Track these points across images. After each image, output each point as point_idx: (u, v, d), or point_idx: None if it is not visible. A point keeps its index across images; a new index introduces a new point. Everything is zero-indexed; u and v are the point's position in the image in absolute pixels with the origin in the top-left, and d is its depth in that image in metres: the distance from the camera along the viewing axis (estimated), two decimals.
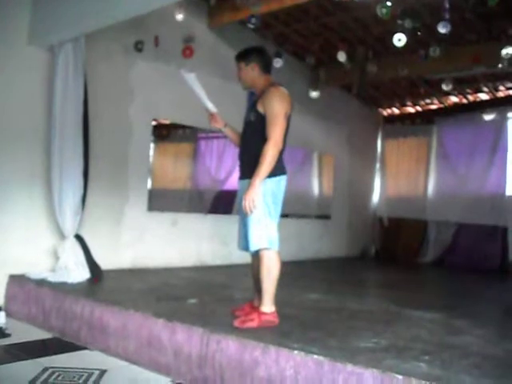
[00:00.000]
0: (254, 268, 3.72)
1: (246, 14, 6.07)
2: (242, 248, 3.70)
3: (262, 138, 3.39)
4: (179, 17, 6.02)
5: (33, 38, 4.98)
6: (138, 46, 5.92)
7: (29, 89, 5.04)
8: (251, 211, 3.30)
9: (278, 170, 3.44)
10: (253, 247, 3.44)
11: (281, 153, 3.45)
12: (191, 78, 3.63)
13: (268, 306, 3.46)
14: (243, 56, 3.64)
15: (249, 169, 3.45)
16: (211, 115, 3.82)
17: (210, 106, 3.77)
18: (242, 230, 3.61)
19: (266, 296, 3.45)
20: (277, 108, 3.39)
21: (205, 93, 3.70)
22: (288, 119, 3.50)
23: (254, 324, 3.37)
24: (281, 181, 3.50)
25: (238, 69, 3.67)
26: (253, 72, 3.60)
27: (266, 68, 3.65)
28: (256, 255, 3.56)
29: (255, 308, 3.60)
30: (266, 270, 3.43)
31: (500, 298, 6.19)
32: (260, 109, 3.46)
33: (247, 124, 3.62)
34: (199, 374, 3.20)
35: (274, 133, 3.35)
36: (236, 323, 3.38)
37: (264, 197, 3.38)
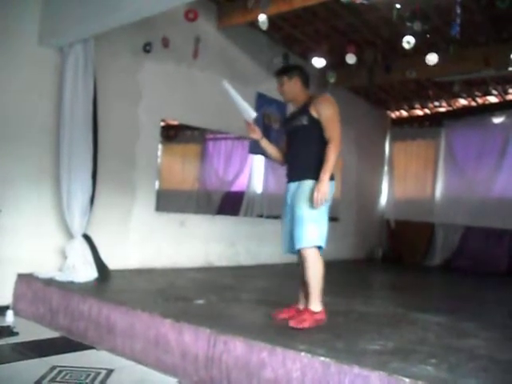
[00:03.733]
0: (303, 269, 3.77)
1: (254, 16, 6.08)
2: (288, 251, 3.76)
3: (317, 140, 3.56)
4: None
5: (43, 38, 5.01)
6: (147, 48, 5.94)
7: (39, 89, 5.07)
8: (322, 204, 3.42)
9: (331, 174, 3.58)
10: (304, 244, 3.51)
11: None
12: (230, 87, 3.69)
13: (317, 305, 3.56)
14: (286, 71, 3.82)
15: (303, 171, 3.59)
16: (249, 125, 3.87)
17: (248, 116, 3.79)
18: (289, 232, 3.67)
19: (314, 295, 3.55)
20: (333, 111, 3.59)
21: (244, 101, 3.75)
22: None
23: (306, 324, 3.45)
24: (333, 184, 3.62)
25: (279, 84, 3.81)
26: (295, 86, 3.77)
27: (307, 83, 3.82)
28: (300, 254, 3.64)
29: (301, 311, 3.70)
30: (313, 270, 3.54)
31: (507, 301, 6.16)
32: (313, 113, 3.58)
33: (296, 129, 3.70)
34: (206, 374, 3.20)
35: (335, 134, 3.52)
36: (291, 323, 3.45)
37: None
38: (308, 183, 3.54)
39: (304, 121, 3.63)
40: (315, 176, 3.49)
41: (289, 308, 3.81)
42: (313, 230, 3.50)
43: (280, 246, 3.84)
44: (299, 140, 3.69)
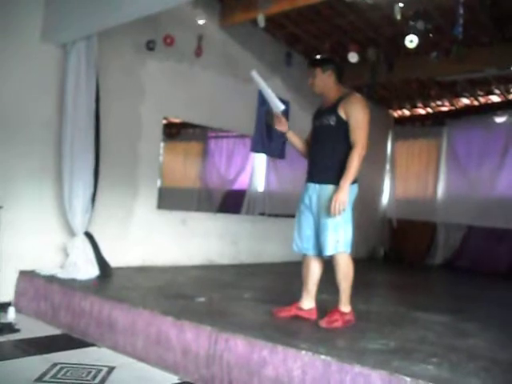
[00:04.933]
0: (308, 269, 3.79)
1: (257, 14, 6.07)
2: (303, 249, 3.77)
3: (343, 143, 3.49)
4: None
5: (46, 35, 5.01)
6: (150, 45, 5.93)
7: (41, 86, 5.07)
8: (340, 213, 3.39)
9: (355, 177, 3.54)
10: (330, 251, 3.52)
11: None
12: (260, 78, 3.67)
13: (347, 306, 3.63)
14: (320, 63, 3.69)
15: (325, 173, 3.55)
16: (277, 117, 3.83)
17: (276, 107, 3.75)
18: (309, 232, 3.69)
19: (344, 297, 3.62)
20: (363, 114, 3.49)
21: (272, 93, 3.71)
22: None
23: (339, 325, 3.54)
24: (356, 187, 3.60)
25: (311, 75, 3.68)
26: (329, 79, 3.65)
27: (340, 77, 3.70)
28: (324, 258, 3.69)
29: (303, 309, 3.76)
30: (343, 273, 3.59)
31: (509, 302, 6.16)
32: (342, 114, 3.51)
33: (323, 128, 3.63)
34: (207, 372, 3.21)
35: (361, 138, 3.44)
36: (323, 324, 3.52)
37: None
38: (332, 189, 3.48)
39: (331, 121, 3.55)
40: (338, 180, 3.42)
41: (290, 306, 3.81)
42: (340, 236, 3.51)
43: (290, 244, 3.83)
44: (324, 140, 3.62)
